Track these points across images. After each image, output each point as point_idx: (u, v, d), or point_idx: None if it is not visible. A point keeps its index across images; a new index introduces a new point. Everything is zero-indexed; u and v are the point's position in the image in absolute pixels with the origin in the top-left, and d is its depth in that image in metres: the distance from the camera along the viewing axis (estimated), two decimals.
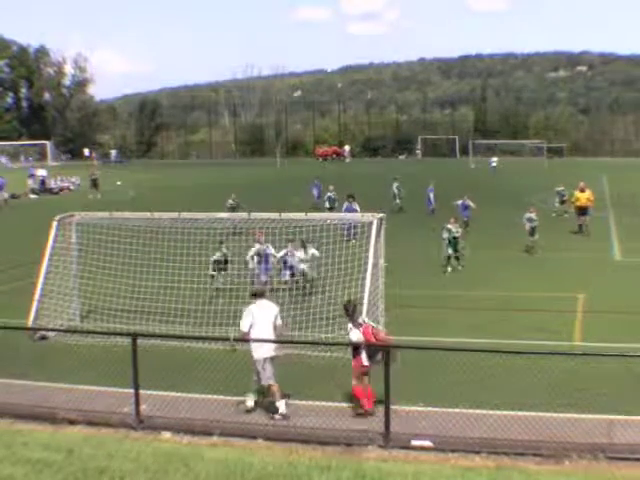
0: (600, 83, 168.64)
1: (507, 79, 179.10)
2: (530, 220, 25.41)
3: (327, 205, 34.57)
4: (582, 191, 30.33)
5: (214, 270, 18.80)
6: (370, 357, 11.03)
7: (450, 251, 22.84)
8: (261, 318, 11.51)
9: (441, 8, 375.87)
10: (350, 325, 11.41)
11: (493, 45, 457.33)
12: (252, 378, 11.49)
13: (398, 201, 37.87)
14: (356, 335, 11.23)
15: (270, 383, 11.36)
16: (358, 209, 26.78)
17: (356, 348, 11.11)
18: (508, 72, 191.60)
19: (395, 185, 38.75)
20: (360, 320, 11.49)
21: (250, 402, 11.47)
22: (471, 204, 30.83)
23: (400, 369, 10.56)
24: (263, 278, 18.65)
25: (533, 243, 25.24)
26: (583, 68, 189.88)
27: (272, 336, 11.51)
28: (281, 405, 11.23)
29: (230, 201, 31.80)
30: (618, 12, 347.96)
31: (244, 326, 11.53)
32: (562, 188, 35.60)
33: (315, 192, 39.77)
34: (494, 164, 67.55)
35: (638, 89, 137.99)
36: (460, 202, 30.99)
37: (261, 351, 11.34)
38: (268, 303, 11.93)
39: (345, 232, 23.11)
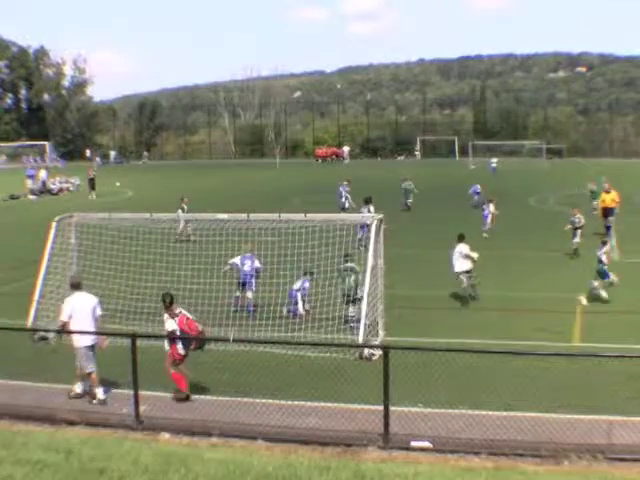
0: (599, 84, 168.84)
1: (506, 80, 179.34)
2: (573, 223, 25.46)
3: (340, 206, 35.16)
4: (607, 192, 30.38)
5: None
6: (185, 346, 11.97)
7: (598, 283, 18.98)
8: (80, 309, 12.32)
9: (440, 8, 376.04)
10: (166, 315, 12.22)
11: (492, 46, 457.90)
12: (76, 366, 12.24)
13: (404, 200, 38.44)
14: (172, 325, 12.08)
15: (90, 371, 12.14)
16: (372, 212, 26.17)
17: (173, 338, 12.01)
18: (507, 73, 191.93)
19: (406, 184, 39.42)
20: (177, 311, 12.21)
21: (78, 389, 12.29)
22: (492, 209, 30.40)
23: (399, 370, 10.56)
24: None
25: (577, 245, 25.22)
26: (582, 69, 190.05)
27: (92, 326, 12.38)
28: (99, 391, 12.07)
29: (184, 205, 29.17)
30: (617, 13, 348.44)
31: (64, 316, 12.31)
32: (594, 187, 35.59)
33: (344, 195, 39.15)
34: (494, 165, 67.46)
35: (637, 90, 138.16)
36: (485, 207, 30.59)
37: (82, 340, 12.12)
38: (87, 294, 12.80)
39: (358, 236, 23.39)
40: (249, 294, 17.65)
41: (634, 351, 13.34)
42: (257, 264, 17.94)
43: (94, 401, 12.04)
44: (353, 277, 16.22)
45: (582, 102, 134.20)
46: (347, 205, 34.55)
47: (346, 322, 15.89)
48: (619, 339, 14.51)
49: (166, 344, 12.17)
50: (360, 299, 15.40)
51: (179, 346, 11.96)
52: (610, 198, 30.08)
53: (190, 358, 13.24)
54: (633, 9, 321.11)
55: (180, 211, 27.85)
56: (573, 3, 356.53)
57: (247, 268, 17.71)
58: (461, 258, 18.91)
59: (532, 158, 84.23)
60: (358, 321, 15.00)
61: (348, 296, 16.16)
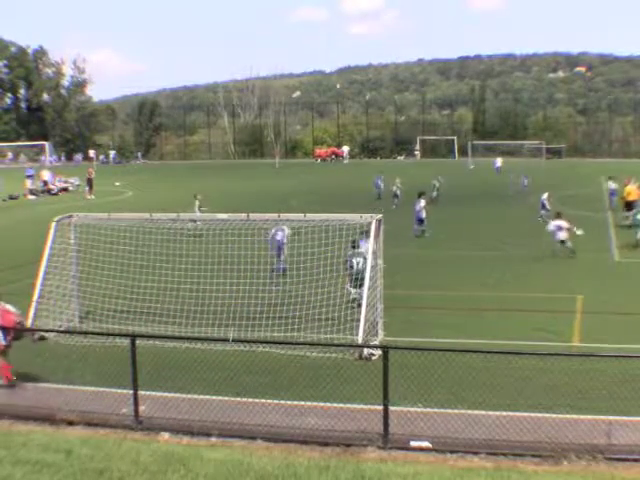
0: (599, 84, 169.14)
1: (506, 80, 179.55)
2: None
3: (378, 195, 43.82)
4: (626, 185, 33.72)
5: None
6: (4, 337, 12.55)
7: None
8: None
9: (440, 9, 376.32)
10: None
11: (492, 46, 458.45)
12: None
13: (435, 193, 41.84)
14: None
15: None
16: (424, 205, 30.58)
17: None
18: (507, 73, 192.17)
19: (436, 179, 43.62)
20: None
21: None
22: (547, 204, 33.79)
23: (398, 370, 10.57)
24: None
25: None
26: (582, 69, 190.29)
27: None
28: None
29: (197, 202, 30.08)
30: (617, 13, 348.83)
31: None
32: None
33: (381, 185, 45.65)
34: (499, 164, 67.50)
35: (637, 90, 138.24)
36: (544, 197, 34.37)
37: None
38: None
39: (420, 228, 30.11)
40: (282, 257, 20.88)
41: (633, 351, 13.34)
42: (287, 231, 20.73)
43: None
44: (362, 261, 16.68)
45: (581, 102, 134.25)
46: (399, 193, 40.78)
47: (353, 302, 16.38)
48: (618, 339, 14.52)
49: None
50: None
51: (0, 336, 12.57)
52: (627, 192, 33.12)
53: (188, 358, 13.25)
54: (633, 9, 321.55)
55: (196, 208, 29.01)
56: (572, 3, 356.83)
57: (278, 237, 20.85)
58: (558, 231, 24.88)
59: (532, 158, 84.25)
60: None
61: (357, 279, 16.67)
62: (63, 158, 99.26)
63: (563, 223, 25.18)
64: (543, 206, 33.85)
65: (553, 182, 53.32)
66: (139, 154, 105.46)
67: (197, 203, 29.79)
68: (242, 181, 61.90)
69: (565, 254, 24.78)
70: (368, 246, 17.85)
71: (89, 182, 50.13)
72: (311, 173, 74.73)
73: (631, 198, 32.75)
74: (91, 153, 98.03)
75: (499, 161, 68.13)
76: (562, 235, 24.98)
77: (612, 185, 40.27)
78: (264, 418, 10.87)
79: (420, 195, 30.79)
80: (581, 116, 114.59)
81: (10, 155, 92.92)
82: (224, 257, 18.13)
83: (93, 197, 48.26)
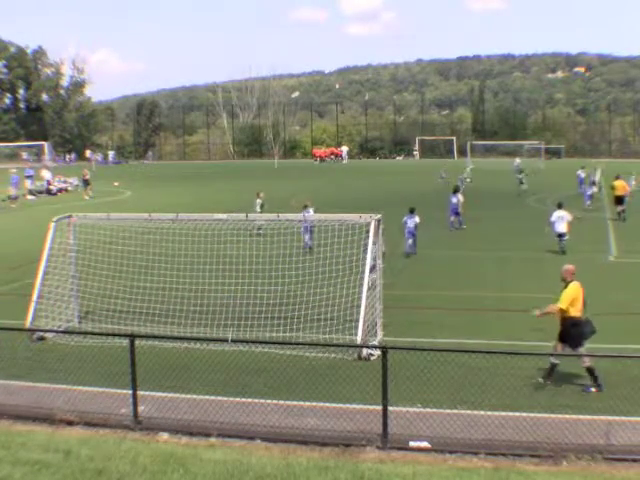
0: (598, 84, 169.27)
1: (505, 80, 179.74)
2: None
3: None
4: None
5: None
6: None
7: None
8: None
9: (439, 9, 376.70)
10: None
11: (491, 46, 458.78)
12: None
13: (525, 186, 46.47)
14: None
15: None
16: (462, 199, 32.10)
17: None
18: (506, 73, 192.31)
19: (522, 174, 47.84)
20: None
21: None
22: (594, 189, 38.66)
23: (397, 370, 10.56)
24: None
25: None
26: (581, 69, 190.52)
27: None
28: None
29: (259, 200, 30.08)
30: (616, 13, 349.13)
31: None
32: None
33: (445, 177, 51.88)
34: (517, 164, 67.87)
35: (636, 90, 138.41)
36: (588, 188, 38.56)
37: None
38: None
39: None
40: (307, 236, 23.73)
41: (632, 351, 13.35)
42: (311, 212, 23.37)
43: None
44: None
45: (581, 102, 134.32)
46: (466, 180, 47.42)
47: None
48: (616, 339, 14.50)
49: None
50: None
51: None
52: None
53: (187, 358, 13.24)
54: (632, 9, 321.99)
55: (258, 206, 29.18)
56: (571, 3, 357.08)
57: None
58: (560, 221, 25.19)
59: (531, 158, 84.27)
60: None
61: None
62: (74, 157, 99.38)
63: (565, 214, 25.49)
64: (590, 197, 37.03)
65: (553, 181, 53.45)
66: (150, 153, 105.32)
67: (259, 201, 29.57)
68: (274, 181, 61.85)
69: (562, 249, 25.14)
70: (415, 222, 25.17)
71: (85, 182, 51.05)
72: (319, 175, 74.67)
73: (618, 193, 33.71)
74: (88, 153, 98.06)
75: (518, 161, 68.72)
76: (562, 227, 25.28)
77: (582, 174, 44.25)
78: (263, 418, 10.86)
79: (455, 190, 32.45)
80: (580, 116, 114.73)
81: (24, 156, 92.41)
82: (223, 257, 18.13)
83: (89, 196, 48.59)
